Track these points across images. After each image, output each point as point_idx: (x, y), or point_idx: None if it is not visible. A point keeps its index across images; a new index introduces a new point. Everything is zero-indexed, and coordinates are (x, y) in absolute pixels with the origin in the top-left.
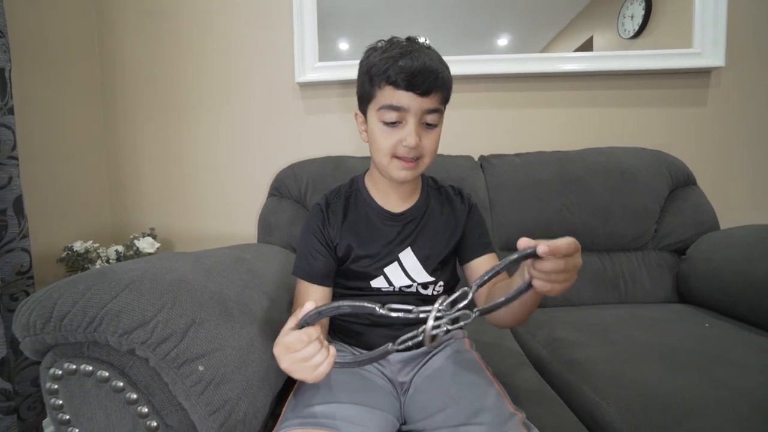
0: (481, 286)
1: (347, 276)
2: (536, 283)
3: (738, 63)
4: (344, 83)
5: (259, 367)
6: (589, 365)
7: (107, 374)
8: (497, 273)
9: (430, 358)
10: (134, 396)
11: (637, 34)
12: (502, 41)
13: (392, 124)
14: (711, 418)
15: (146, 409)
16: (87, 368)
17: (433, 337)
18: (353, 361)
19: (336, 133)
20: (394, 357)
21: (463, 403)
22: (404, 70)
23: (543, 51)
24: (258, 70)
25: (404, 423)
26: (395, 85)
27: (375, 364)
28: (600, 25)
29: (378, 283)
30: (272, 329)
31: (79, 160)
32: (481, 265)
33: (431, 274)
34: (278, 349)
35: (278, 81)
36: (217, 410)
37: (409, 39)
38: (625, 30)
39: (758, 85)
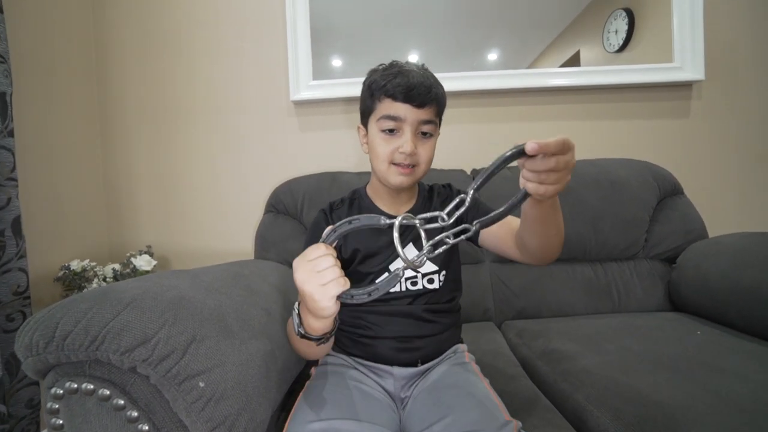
0: (478, 189)
1: (353, 279)
2: (528, 185)
3: (718, 76)
4: (338, 101)
5: (258, 382)
6: (584, 375)
7: (108, 392)
8: (493, 173)
9: (429, 372)
10: (135, 414)
11: (622, 48)
12: (492, 56)
13: (390, 133)
14: (705, 426)
15: (147, 427)
16: (88, 387)
17: (435, 246)
18: (365, 292)
19: (331, 150)
20: (399, 372)
21: (459, 413)
22: (401, 85)
23: (532, 65)
24: (253, 89)
25: None
26: (393, 97)
27: (377, 378)
28: (586, 39)
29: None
30: (271, 345)
31: (76, 180)
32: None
33: (432, 262)
34: (297, 260)
35: (273, 99)
36: (218, 426)
37: (407, 62)
38: (611, 44)
39: (738, 97)
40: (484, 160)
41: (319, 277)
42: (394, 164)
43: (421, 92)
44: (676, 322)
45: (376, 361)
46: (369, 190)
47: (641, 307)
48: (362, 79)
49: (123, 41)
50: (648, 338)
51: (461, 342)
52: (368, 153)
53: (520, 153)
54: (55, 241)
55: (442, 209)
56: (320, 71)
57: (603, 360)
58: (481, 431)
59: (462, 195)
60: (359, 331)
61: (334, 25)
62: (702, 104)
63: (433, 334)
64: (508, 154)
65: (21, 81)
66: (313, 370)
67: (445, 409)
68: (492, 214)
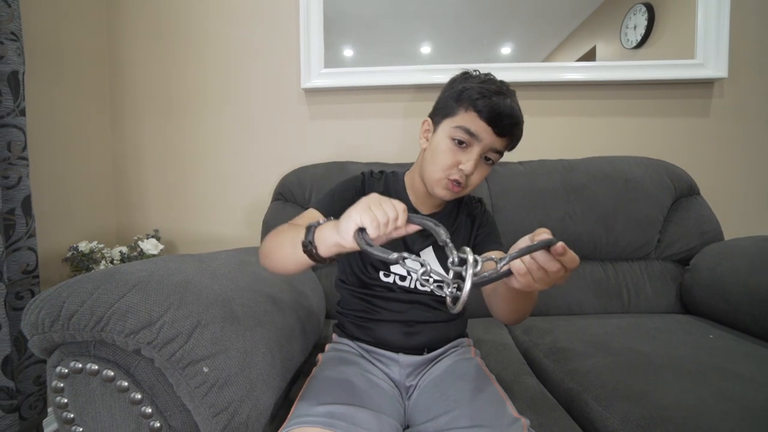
0: (508, 261)
1: (353, 256)
2: (520, 272)
3: (741, 74)
4: (349, 89)
5: (262, 369)
6: (592, 375)
7: (112, 374)
8: (524, 253)
9: (435, 363)
10: (138, 396)
11: (640, 44)
12: (506, 50)
13: (459, 144)
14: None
15: (150, 410)
16: (93, 367)
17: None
18: (391, 254)
19: (341, 139)
20: (404, 360)
21: (466, 407)
22: (495, 107)
23: (546, 60)
24: (264, 76)
25: (407, 427)
26: (480, 114)
27: (383, 367)
28: (603, 35)
29: (396, 268)
30: (276, 332)
31: (86, 162)
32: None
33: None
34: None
35: (284, 87)
36: (221, 412)
37: (502, 82)
38: (628, 40)
39: (761, 97)
40: None
41: (379, 209)
42: (449, 179)
43: (508, 123)
44: (687, 324)
45: (381, 347)
46: (407, 179)
47: (652, 309)
48: (374, 69)
49: (135, 25)
50: (659, 340)
51: (466, 336)
52: (424, 148)
53: (546, 246)
54: (63, 222)
55: (469, 222)
56: (331, 60)
57: (612, 361)
58: (489, 427)
59: (492, 259)
60: (365, 315)
61: (346, 15)
62: (724, 103)
63: (438, 321)
64: (542, 243)
65: (33, 61)
66: (320, 357)
67: (452, 402)
68: (486, 277)
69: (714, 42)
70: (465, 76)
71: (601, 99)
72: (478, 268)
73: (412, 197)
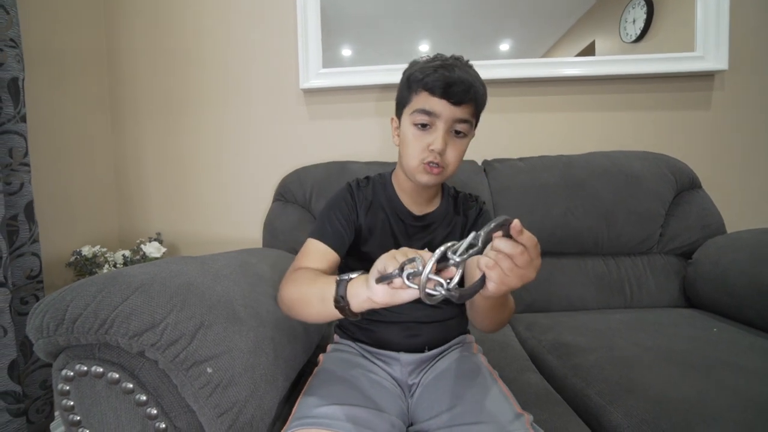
0: (459, 262)
1: (360, 259)
2: (491, 275)
3: (741, 66)
4: (348, 89)
5: (266, 369)
6: (596, 370)
7: (117, 376)
8: (479, 242)
9: (437, 361)
10: (144, 398)
11: (639, 38)
12: (504, 46)
13: (423, 128)
14: (723, 424)
15: (155, 411)
16: (98, 370)
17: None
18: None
19: (341, 139)
20: (405, 358)
21: (469, 403)
22: (440, 79)
23: (545, 56)
24: (262, 77)
25: (411, 425)
26: (431, 91)
27: (384, 366)
28: (602, 29)
29: None
30: (279, 333)
31: (88, 166)
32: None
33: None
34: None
35: (282, 87)
36: (225, 412)
37: (452, 56)
38: (627, 34)
39: (762, 88)
40: (495, 150)
41: (402, 257)
42: (423, 163)
43: (460, 89)
44: (691, 318)
45: (382, 348)
46: (394, 181)
47: (654, 303)
48: (373, 68)
49: (133, 29)
50: (662, 334)
51: (468, 333)
52: (398, 146)
53: (502, 225)
54: (66, 226)
55: (464, 221)
56: (330, 60)
57: (615, 355)
58: (492, 423)
59: (475, 235)
60: (366, 317)
61: (344, 14)
62: (724, 95)
63: (439, 320)
64: (497, 223)
65: (32, 68)
66: (321, 357)
67: (455, 398)
68: (470, 289)
69: (714, 34)
70: (412, 63)
71: (601, 94)
72: (435, 259)
73: (403, 198)
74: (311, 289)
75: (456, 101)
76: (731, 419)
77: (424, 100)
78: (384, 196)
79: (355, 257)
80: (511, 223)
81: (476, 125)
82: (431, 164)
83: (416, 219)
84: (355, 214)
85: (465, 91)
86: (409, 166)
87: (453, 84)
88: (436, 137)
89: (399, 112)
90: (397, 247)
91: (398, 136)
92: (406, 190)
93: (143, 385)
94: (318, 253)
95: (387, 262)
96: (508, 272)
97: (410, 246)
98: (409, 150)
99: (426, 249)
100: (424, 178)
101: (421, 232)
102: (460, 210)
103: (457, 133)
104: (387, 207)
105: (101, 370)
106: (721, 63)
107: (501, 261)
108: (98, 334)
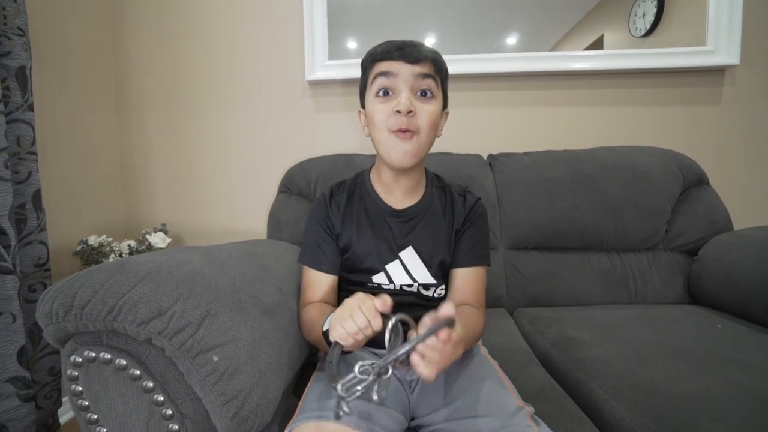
0: (388, 363)
1: (350, 268)
2: (419, 363)
3: (753, 61)
4: (354, 81)
5: (270, 359)
6: (599, 364)
7: (125, 362)
8: (412, 348)
9: None
10: (150, 384)
11: (649, 32)
12: (511, 40)
13: (386, 95)
14: (728, 421)
15: (162, 398)
16: (106, 356)
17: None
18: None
19: (345, 131)
20: None
21: (470, 396)
22: (392, 44)
23: (552, 50)
24: (268, 69)
25: (413, 419)
26: (385, 56)
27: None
28: (611, 23)
29: (379, 278)
30: (283, 322)
31: (94, 156)
32: (466, 277)
33: (433, 276)
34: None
35: (288, 79)
36: (231, 400)
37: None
38: (637, 28)
39: None
40: (501, 144)
41: (357, 317)
42: (393, 132)
43: (411, 47)
44: (696, 314)
45: (382, 347)
46: (373, 176)
47: (659, 299)
48: None
49: (140, 19)
50: (666, 330)
51: None
52: (369, 135)
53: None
54: (72, 216)
55: (444, 211)
56: (336, 53)
57: (619, 350)
58: (493, 416)
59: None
60: None
61: (350, 6)
62: (735, 90)
63: None
64: (439, 325)
65: (39, 57)
66: (322, 352)
67: (456, 393)
68: (406, 350)
69: (726, 28)
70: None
71: (609, 88)
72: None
73: (381, 194)
74: (314, 331)
75: (412, 59)
76: (736, 415)
77: (380, 67)
78: (360, 196)
79: (344, 268)
80: (442, 329)
81: (444, 91)
82: (400, 131)
83: (396, 214)
84: (332, 224)
85: (418, 49)
86: (382, 143)
87: (404, 45)
88: (399, 98)
89: (363, 101)
90: (378, 250)
91: (367, 126)
92: (385, 183)
93: (150, 372)
94: (318, 284)
95: (333, 331)
96: (432, 363)
97: (394, 242)
98: (376, 123)
99: (386, 294)
100: (399, 152)
101: (403, 226)
102: (446, 201)
103: (423, 93)
104: (365, 206)
105: (109, 356)
106: (733, 58)
107: (429, 355)
108: (106, 321)
